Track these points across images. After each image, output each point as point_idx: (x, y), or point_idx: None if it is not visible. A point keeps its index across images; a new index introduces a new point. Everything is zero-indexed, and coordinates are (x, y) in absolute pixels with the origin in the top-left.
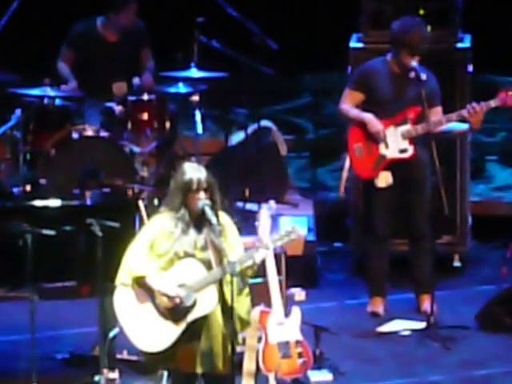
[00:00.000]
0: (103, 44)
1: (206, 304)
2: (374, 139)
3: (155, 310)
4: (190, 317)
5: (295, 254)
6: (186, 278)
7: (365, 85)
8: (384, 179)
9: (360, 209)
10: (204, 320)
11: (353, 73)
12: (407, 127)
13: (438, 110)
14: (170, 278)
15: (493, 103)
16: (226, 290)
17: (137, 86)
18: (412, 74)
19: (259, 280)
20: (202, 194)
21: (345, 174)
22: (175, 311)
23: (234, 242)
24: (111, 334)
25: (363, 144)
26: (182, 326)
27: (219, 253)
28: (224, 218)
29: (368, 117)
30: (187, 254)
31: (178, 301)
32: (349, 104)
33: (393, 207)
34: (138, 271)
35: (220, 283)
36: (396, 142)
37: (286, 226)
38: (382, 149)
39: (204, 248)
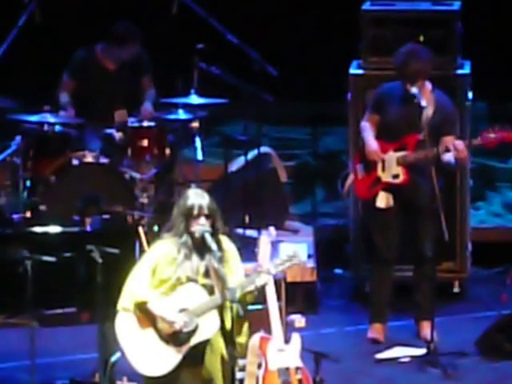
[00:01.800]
0: (102, 72)
1: (208, 329)
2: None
3: (157, 335)
4: (192, 342)
5: (295, 280)
6: (188, 303)
7: (380, 106)
8: (384, 199)
9: (360, 234)
10: (206, 344)
11: (371, 95)
12: (402, 154)
13: (449, 139)
14: (171, 303)
15: (475, 142)
16: (226, 315)
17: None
18: (415, 101)
19: (259, 306)
20: (202, 220)
21: (349, 181)
22: (176, 336)
23: (235, 268)
24: (113, 359)
25: (365, 163)
26: (184, 350)
27: (220, 278)
28: (226, 243)
29: (370, 145)
30: (190, 280)
31: (179, 326)
32: (367, 123)
33: (395, 232)
34: (140, 297)
35: (220, 308)
36: (391, 167)
37: (286, 251)
38: (379, 171)
39: (206, 274)
